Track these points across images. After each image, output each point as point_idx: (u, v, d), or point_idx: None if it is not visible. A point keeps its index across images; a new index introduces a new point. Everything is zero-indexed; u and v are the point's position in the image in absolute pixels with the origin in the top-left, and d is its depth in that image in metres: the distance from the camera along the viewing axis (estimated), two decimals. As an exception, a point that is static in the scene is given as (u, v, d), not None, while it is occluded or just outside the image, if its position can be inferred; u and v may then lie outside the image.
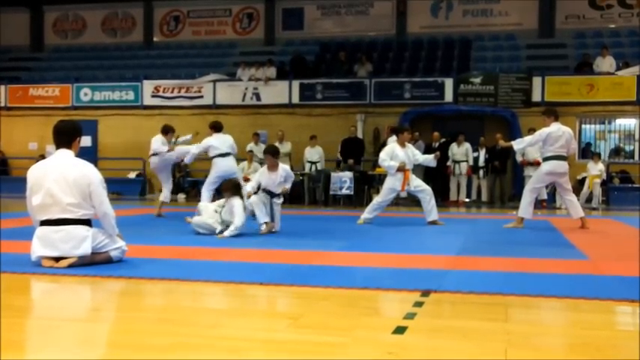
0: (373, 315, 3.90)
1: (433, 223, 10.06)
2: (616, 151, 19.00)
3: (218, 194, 10.31)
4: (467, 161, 16.93)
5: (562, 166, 9.63)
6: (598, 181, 16.32)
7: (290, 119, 19.15)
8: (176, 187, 16.53)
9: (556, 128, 9.52)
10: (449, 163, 16.77)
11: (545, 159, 9.65)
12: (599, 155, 16.92)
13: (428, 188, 10.30)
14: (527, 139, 10.01)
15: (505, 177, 17.40)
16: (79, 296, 4.71)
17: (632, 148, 18.96)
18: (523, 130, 17.39)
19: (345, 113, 18.84)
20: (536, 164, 13.64)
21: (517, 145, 10.03)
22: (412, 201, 15.98)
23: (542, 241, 8.13)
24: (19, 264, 5.42)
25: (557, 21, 22.11)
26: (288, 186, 8.67)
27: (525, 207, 9.70)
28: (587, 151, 18.20)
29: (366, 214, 10.26)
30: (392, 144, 10.51)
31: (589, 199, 16.24)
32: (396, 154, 10.18)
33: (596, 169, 16.34)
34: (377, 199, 10.48)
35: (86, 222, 5.44)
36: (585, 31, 21.81)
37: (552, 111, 9.89)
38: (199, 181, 17.11)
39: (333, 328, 3.78)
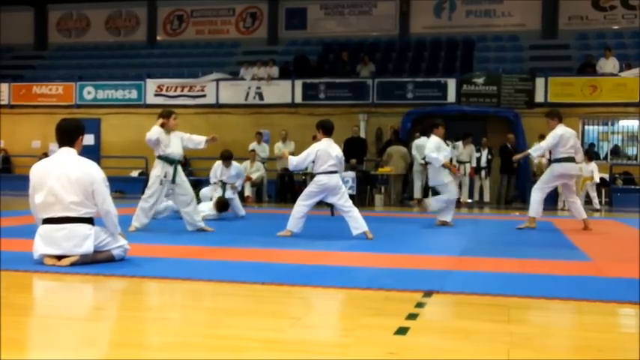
0: (375, 315, 3.90)
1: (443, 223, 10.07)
2: (614, 152, 18.95)
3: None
4: (470, 162, 16.92)
5: (574, 168, 9.67)
6: (590, 183, 16.01)
7: (292, 119, 19.14)
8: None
9: (565, 129, 9.53)
10: (454, 163, 16.75)
11: (557, 160, 9.59)
12: (589, 156, 16.59)
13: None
14: (544, 144, 9.79)
15: (514, 177, 17.31)
16: (81, 295, 4.71)
17: (634, 150, 18.94)
18: (526, 130, 17.40)
19: (348, 113, 18.83)
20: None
21: (535, 152, 9.97)
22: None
23: (545, 242, 8.12)
24: (21, 262, 5.43)
25: (560, 22, 22.07)
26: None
27: (536, 206, 9.65)
28: (589, 152, 18.14)
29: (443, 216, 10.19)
30: (435, 137, 10.15)
31: (587, 202, 15.79)
32: (443, 147, 10.10)
33: (587, 171, 15.98)
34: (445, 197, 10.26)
35: (88, 220, 5.44)
36: (588, 32, 21.77)
37: (557, 113, 9.87)
38: (202, 181, 17.12)
39: (335, 328, 3.78)
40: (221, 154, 11.70)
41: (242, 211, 11.52)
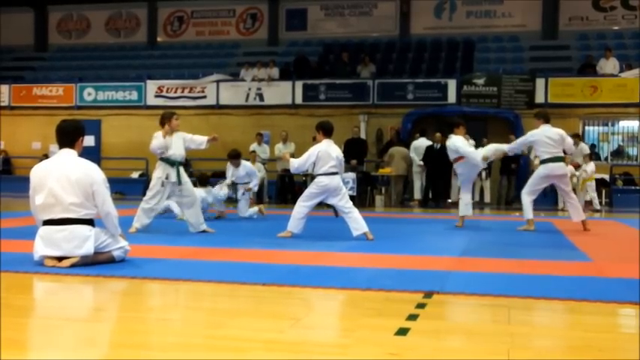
0: (375, 316, 3.90)
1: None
2: (617, 152, 18.96)
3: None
4: None
5: (560, 167, 9.62)
6: (590, 183, 15.95)
7: (293, 120, 19.16)
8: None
9: (542, 130, 9.53)
10: None
11: (542, 162, 9.64)
12: (589, 156, 16.43)
13: None
14: (516, 141, 10.05)
15: (514, 178, 17.30)
16: (81, 296, 4.71)
17: (635, 150, 18.94)
18: (526, 131, 17.30)
19: (349, 114, 18.85)
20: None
21: (508, 148, 10.06)
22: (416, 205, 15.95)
23: (545, 242, 8.12)
24: (21, 263, 5.43)
25: (561, 22, 22.08)
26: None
27: (529, 210, 9.71)
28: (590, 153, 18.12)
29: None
30: (457, 136, 10.08)
31: (587, 202, 15.73)
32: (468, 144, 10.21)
33: (587, 171, 15.93)
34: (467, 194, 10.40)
35: (89, 222, 5.44)
36: (588, 32, 21.78)
37: (543, 114, 9.93)
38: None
39: (335, 329, 3.78)
40: (228, 153, 11.65)
41: (245, 213, 11.44)
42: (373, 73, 19.86)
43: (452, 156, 10.17)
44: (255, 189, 11.93)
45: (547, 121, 9.67)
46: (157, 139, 8.52)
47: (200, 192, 10.53)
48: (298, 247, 7.03)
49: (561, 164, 9.65)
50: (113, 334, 3.57)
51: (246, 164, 11.70)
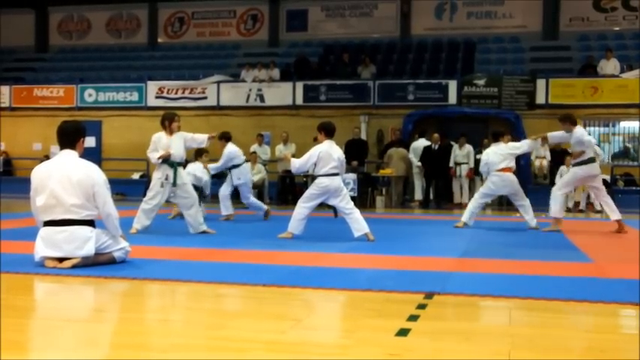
0: (376, 317, 3.90)
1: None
2: (623, 153, 18.92)
3: None
4: (467, 163, 16.84)
5: (597, 167, 9.73)
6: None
7: (294, 120, 19.14)
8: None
9: (583, 131, 9.63)
10: (451, 164, 16.73)
11: (581, 163, 9.62)
12: None
13: None
14: (586, 147, 9.68)
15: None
16: (82, 297, 4.72)
17: (635, 151, 18.92)
18: (527, 132, 17.37)
19: (349, 115, 18.82)
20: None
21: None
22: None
23: (546, 243, 8.12)
24: (22, 264, 5.44)
25: (562, 23, 22.05)
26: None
27: (560, 209, 9.76)
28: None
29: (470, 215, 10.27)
30: (502, 144, 10.32)
31: (588, 203, 15.57)
32: None
33: None
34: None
35: (90, 223, 5.44)
36: (589, 33, 21.76)
37: (570, 117, 9.82)
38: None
39: (336, 329, 3.78)
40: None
41: (249, 199, 11.32)
42: (374, 74, 19.85)
43: (497, 164, 10.10)
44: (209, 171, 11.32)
45: (576, 122, 9.74)
46: (153, 153, 8.57)
47: (196, 167, 10.52)
48: (299, 248, 7.03)
49: (596, 164, 9.73)
50: (114, 335, 3.57)
51: (229, 148, 11.33)
